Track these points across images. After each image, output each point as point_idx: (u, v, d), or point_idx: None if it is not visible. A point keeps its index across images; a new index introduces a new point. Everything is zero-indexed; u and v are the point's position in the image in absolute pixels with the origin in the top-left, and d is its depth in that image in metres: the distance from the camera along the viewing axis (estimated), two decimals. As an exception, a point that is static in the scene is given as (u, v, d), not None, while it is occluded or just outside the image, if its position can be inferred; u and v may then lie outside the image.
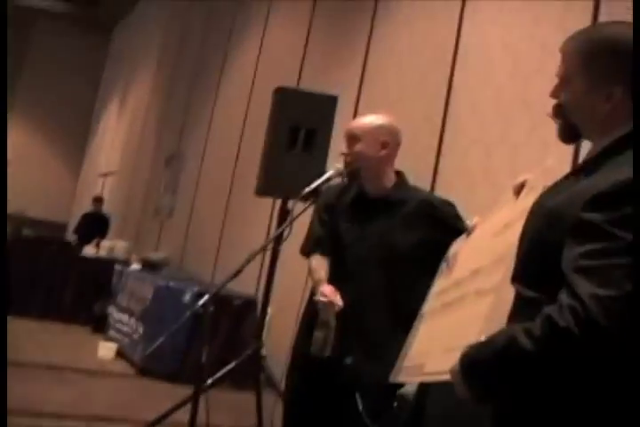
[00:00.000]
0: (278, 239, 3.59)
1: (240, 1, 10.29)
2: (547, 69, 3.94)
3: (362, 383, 2.73)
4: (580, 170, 1.64)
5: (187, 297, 6.40)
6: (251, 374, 4.48)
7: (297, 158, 4.53)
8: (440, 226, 2.81)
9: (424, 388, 3.33)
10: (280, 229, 3.23)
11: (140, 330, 6.71)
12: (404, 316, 2.64)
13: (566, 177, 1.67)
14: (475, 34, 5.05)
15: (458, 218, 2.86)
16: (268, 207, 7.28)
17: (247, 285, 6.73)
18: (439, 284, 2.40)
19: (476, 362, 1.55)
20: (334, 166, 2.89)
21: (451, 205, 2.93)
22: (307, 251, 3.01)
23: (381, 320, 2.77)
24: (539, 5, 4.44)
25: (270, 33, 9.05)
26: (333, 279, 2.82)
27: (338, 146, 5.61)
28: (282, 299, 5.33)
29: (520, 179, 1.98)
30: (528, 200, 1.78)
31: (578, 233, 1.47)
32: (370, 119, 2.91)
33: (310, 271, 2.92)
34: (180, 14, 13.07)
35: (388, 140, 2.87)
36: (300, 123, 4.55)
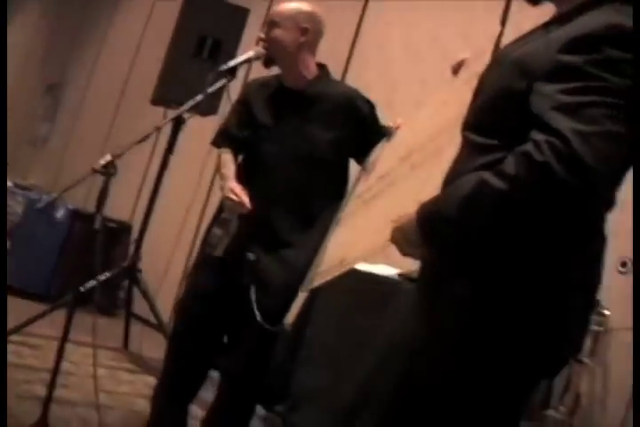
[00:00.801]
0: (168, 153, 3.46)
1: None
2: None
3: (260, 280, 2.66)
4: (551, 23, 1.56)
5: (60, 213, 6.13)
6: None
7: (201, 66, 4.43)
8: (359, 125, 2.75)
9: (304, 316, 3.31)
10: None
11: (9, 246, 6.38)
12: (314, 218, 2.64)
13: (533, 31, 1.59)
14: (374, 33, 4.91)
15: (377, 119, 2.80)
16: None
17: (123, 210, 6.53)
18: (357, 189, 2.33)
19: (438, 211, 1.43)
20: (255, 49, 2.76)
21: (372, 106, 2.83)
22: (216, 142, 2.90)
23: (289, 220, 2.69)
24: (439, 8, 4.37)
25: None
26: (245, 175, 2.73)
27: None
28: (158, 226, 5.14)
29: (459, 56, 1.93)
30: (473, 68, 1.74)
31: (554, 75, 1.38)
32: (292, 5, 2.80)
33: (217, 166, 2.83)
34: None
35: (309, 27, 2.76)
36: (208, 32, 4.51)
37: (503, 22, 3.70)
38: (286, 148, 2.71)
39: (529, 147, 1.32)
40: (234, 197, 2.59)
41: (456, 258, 1.45)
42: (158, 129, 2.85)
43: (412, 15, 4.55)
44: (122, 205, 6.51)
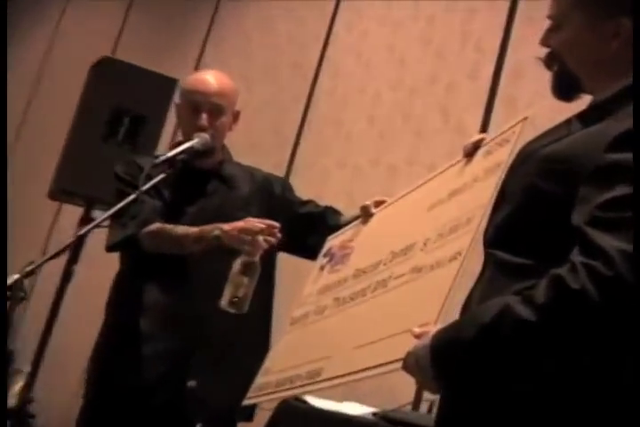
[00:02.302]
0: (69, 267, 2.53)
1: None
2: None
3: (208, 412, 2.46)
4: (582, 116, 1.45)
5: None
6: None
7: (115, 152, 3.66)
8: (284, 205, 2.64)
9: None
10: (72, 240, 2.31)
11: None
12: (261, 318, 2.53)
13: (559, 126, 1.49)
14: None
15: (293, 193, 2.72)
16: (44, 227, 6.33)
17: None
18: (319, 281, 2.14)
19: (454, 342, 1.30)
20: (200, 135, 2.48)
21: (286, 181, 2.88)
22: (114, 245, 2.52)
23: (229, 327, 2.42)
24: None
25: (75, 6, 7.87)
26: (160, 277, 2.48)
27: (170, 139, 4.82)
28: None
29: (474, 138, 1.75)
30: (496, 157, 1.61)
31: (601, 177, 1.26)
32: (230, 82, 2.64)
33: (160, 236, 2.44)
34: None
35: (238, 111, 2.64)
36: (125, 107, 3.78)
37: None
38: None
39: (564, 270, 1.22)
40: (250, 225, 2.31)
41: (473, 395, 1.33)
42: (82, 237, 2.30)
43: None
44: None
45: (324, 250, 2.25)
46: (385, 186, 3.84)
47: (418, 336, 1.37)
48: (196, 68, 5.54)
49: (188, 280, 2.48)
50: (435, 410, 2.30)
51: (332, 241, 2.27)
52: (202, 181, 2.60)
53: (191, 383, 2.43)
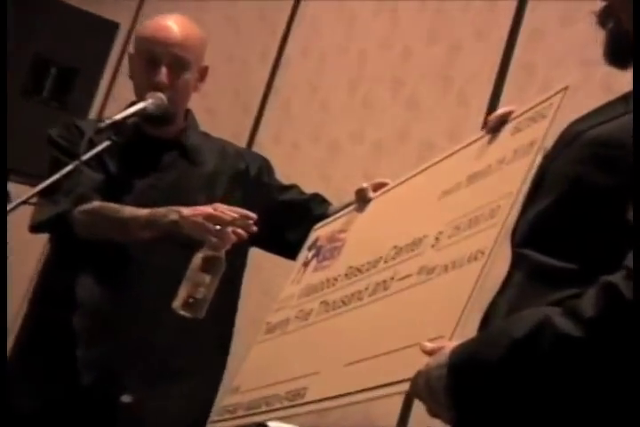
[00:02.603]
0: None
1: None
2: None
3: None
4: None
5: None
6: None
7: (38, 112, 3.42)
8: (260, 190, 2.46)
9: None
10: None
11: None
12: (221, 324, 2.38)
13: (613, 103, 1.34)
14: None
15: (274, 173, 2.54)
16: None
17: None
18: (302, 281, 2.00)
19: (478, 362, 1.17)
20: (154, 95, 2.29)
21: (266, 160, 2.56)
22: (40, 225, 2.34)
23: (178, 332, 2.29)
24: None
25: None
26: (97, 268, 2.32)
27: (113, 101, 4.48)
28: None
29: (501, 110, 1.61)
30: (529, 135, 1.47)
31: None
32: (195, 28, 2.44)
33: (100, 216, 2.28)
34: None
35: (206, 66, 2.46)
36: (52, 56, 3.48)
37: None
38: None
39: (617, 278, 1.09)
40: (219, 213, 2.13)
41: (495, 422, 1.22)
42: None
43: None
44: None
45: (309, 242, 2.13)
46: (369, 166, 3.59)
47: (430, 353, 1.28)
48: (139, 9, 5.19)
49: (130, 273, 2.33)
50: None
51: (319, 231, 2.15)
52: (157, 152, 2.42)
53: (125, 398, 2.27)
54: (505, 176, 1.50)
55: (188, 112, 2.49)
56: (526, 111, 1.57)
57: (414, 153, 3.50)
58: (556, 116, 1.46)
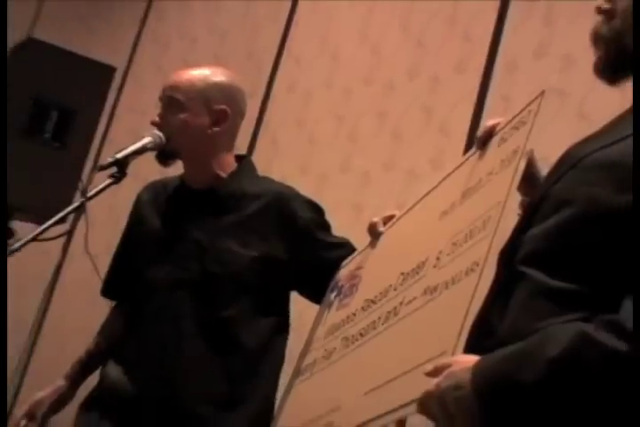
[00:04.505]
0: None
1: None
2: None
3: None
4: None
5: None
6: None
7: (40, 152, 3.41)
8: (297, 240, 2.31)
9: None
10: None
11: None
12: (238, 375, 2.27)
13: (615, 123, 1.34)
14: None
15: (325, 228, 2.35)
16: None
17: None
18: (327, 321, 2.04)
19: (514, 386, 1.11)
20: (151, 132, 2.31)
21: (317, 209, 2.37)
22: (104, 291, 2.48)
23: (198, 382, 2.24)
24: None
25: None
26: (128, 316, 2.37)
27: (111, 140, 4.60)
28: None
29: (487, 124, 1.64)
30: (512, 143, 1.49)
31: None
32: (198, 75, 2.38)
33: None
34: None
35: (227, 112, 2.34)
36: (52, 99, 3.45)
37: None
38: (189, 269, 2.29)
39: None
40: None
41: None
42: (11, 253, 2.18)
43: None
44: None
45: (332, 284, 2.11)
46: (357, 195, 3.65)
47: (433, 374, 1.24)
48: (133, 53, 5.31)
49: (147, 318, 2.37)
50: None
51: (341, 272, 2.14)
52: (192, 206, 2.39)
53: None
54: (493, 187, 1.49)
55: (239, 159, 2.44)
56: (510, 122, 1.57)
57: (400, 181, 3.56)
58: (535, 122, 1.46)
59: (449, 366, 1.23)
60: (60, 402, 2.40)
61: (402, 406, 1.31)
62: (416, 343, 1.44)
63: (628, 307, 1.09)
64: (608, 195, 1.22)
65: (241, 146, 4.23)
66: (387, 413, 1.36)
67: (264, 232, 2.31)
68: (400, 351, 1.50)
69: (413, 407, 1.27)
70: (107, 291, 2.48)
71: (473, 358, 1.23)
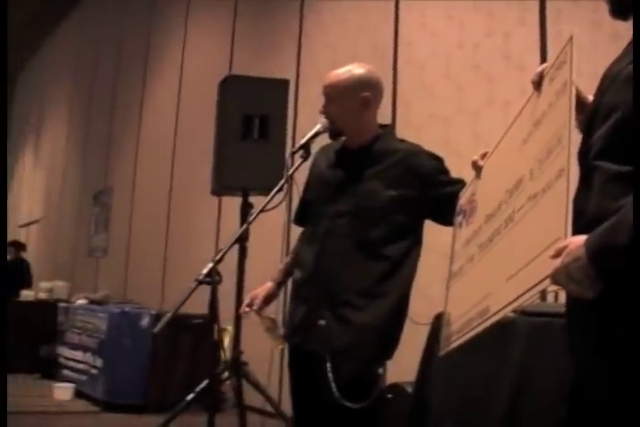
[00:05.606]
0: (243, 238, 3.15)
1: (155, 13, 9.94)
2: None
3: (333, 348, 2.55)
4: None
5: (145, 321, 6.11)
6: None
7: (254, 148, 4.32)
8: (424, 184, 2.62)
9: (423, 382, 3.13)
10: (245, 225, 2.84)
11: (99, 363, 6.30)
12: (383, 277, 2.56)
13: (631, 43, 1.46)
14: (414, 10, 5.00)
15: (444, 172, 2.67)
16: (212, 220, 7.04)
17: (197, 305, 6.37)
18: (461, 237, 2.24)
19: (612, 244, 1.29)
20: (321, 120, 2.66)
21: (439, 160, 2.70)
22: (294, 220, 2.89)
23: (353, 279, 2.58)
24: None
25: (193, 34, 8.78)
26: (307, 236, 2.74)
27: (297, 130, 5.70)
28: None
29: (537, 71, 1.77)
30: (560, 79, 1.62)
31: None
32: (343, 74, 2.66)
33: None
34: (89, 43, 12.65)
35: (369, 96, 2.63)
36: (253, 110, 4.37)
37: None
38: (347, 205, 2.61)
39: None
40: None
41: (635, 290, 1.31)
42: (249, 223, 2.77)
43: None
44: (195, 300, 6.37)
45: (457, 210, 2.35)
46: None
47: (556, 255, 1.37)
48: (298, 63, 6.01)
49: (316, 237, 2.70)
50: (560, 300, 2.67)
51: (461, 200, 2.36)
52: (347, 160, 2.71)
53: (321, 322, 2.58)
54: (557, 113, 1.61)
55: (383, 127, 2.72)
56: (552, 64, 1.73)
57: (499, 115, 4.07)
58: (573, 59, 1.58)
59: (566, 246, 1.35)
60: (269, 296, 2.79)
61: (540, 282, 1.45)
62: (535, 236, 1.57)
63: None
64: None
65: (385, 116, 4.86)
66: (529, 289, 1.50)
67: (400, 177, 2.61)
68: (524, 245, 1.63)
69: (547, 282, 1.40)
70: (296, 220, 2.87)
71: (582, 237, 1.35)
